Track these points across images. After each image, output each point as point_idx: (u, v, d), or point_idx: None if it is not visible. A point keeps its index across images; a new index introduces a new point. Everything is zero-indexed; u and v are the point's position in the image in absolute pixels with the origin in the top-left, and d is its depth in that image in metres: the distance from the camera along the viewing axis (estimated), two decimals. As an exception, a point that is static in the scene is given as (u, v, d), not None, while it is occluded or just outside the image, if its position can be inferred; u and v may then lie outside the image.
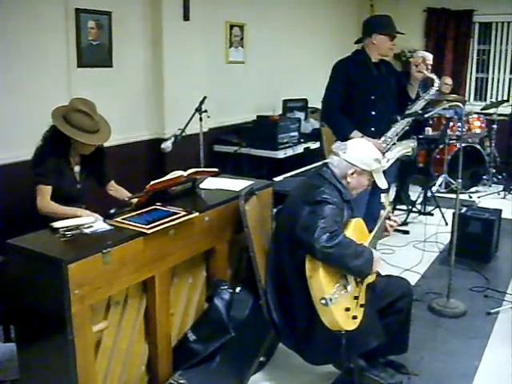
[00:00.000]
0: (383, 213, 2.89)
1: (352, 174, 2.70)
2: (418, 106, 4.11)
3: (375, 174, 2.74)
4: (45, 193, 3.05)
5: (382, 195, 2.98)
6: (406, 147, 4.14)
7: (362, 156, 2.72)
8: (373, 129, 3.98)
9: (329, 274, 2.46)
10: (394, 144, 4.09)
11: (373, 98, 3.99)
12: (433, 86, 4.08)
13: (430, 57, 3.97)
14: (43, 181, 3.06)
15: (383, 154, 4.00)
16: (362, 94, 3.99)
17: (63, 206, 3.05)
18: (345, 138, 3.50)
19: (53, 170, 3.08)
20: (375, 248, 2.77)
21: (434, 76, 4.17)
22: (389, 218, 2.89)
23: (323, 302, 2.39)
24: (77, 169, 3.27)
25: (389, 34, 3.99)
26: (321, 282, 2.42)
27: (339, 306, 2.46)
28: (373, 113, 4.00)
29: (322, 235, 2.40)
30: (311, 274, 2.45)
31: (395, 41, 4.07)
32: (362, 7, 8.48)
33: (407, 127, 4.13)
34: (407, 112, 4.12)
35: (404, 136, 4.18)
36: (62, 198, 3.09)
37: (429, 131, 6.60)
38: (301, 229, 2.51)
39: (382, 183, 2.79)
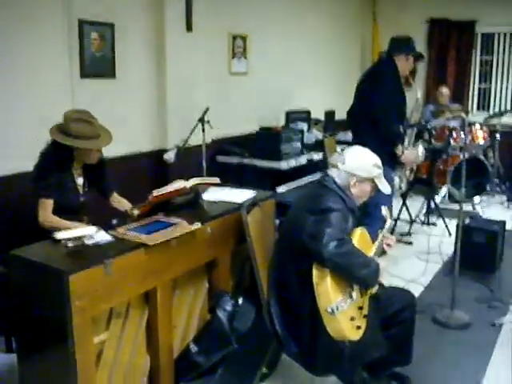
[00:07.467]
0: (387, 224, 2.88)
1: (354, 183, 2.69)
2: (416, 117, 4.55)
3: (377, 179, 2.73)
4: (46, 206, 3.03)
5: (383, 207, 2.96)
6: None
7: (360, 164, 2.71)
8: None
9: (336, 282, 2.44)
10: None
11: (404, 108, 4.16)
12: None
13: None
14: (44, 194, 3.04)
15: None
16: (400, 104, 4.11)
17: (64, 220, 3.03)
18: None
19: (55, 184, 3.06)
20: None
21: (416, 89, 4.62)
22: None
23: (329, 310, 2.38)
24: (80, 181, 3.24)
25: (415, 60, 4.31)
26: (328, 290, 2.40)
27: (345, 315, 2.44)
28: (404, 122, 4.19)
29: (329, 242, 2.38)
30: (318, 281, 2.42)
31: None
32: (365, 18, 8.52)
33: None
34: (411, 123, 4.26)
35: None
36: (64, 211, 3.08)
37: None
38: (307, 237, 2.48)
39: (385, 188, 2.77)
